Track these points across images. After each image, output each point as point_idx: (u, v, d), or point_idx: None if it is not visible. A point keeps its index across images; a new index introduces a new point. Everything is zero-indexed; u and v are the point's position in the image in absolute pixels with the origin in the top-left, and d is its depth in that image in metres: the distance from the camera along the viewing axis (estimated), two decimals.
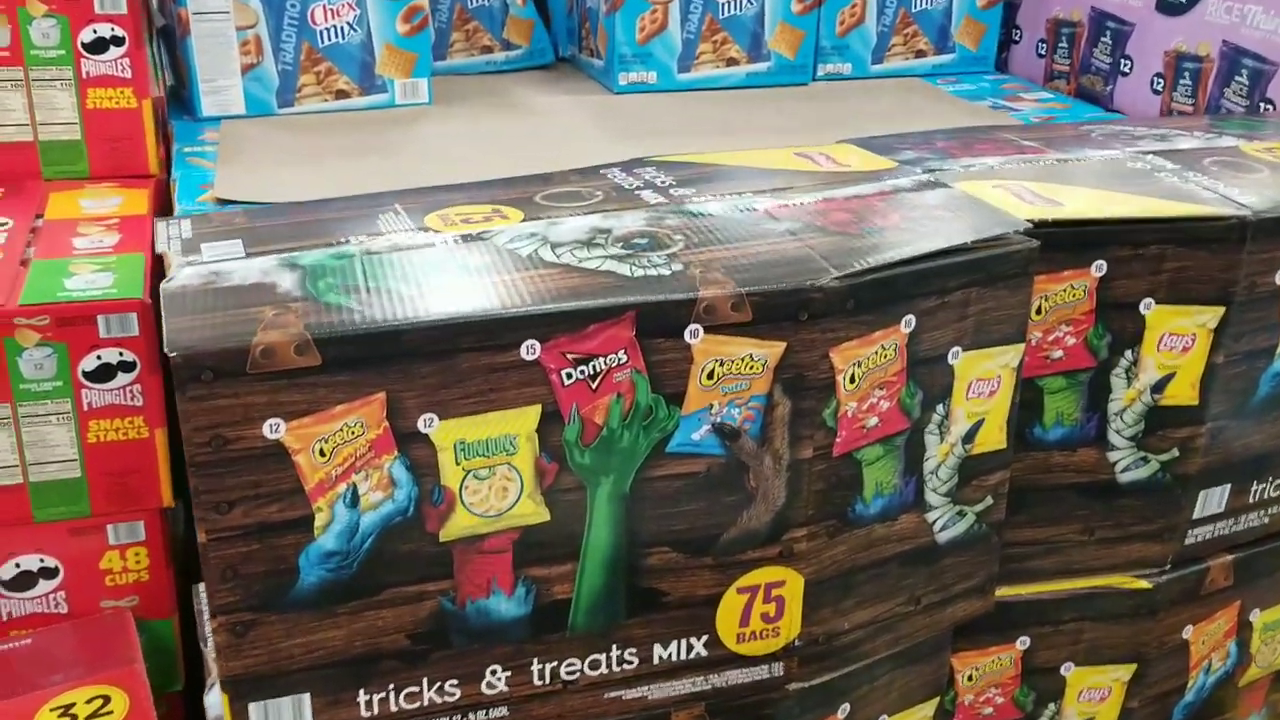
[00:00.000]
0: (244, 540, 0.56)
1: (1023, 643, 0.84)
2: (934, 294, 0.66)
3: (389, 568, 0.59)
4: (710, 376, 0.61)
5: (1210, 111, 1.19)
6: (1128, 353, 0.78)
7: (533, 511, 0.61)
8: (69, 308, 0.77)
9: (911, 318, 0.66)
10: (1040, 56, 1.45)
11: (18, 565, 0.84)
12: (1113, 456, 0.80)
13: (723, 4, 1.29)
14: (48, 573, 0.85)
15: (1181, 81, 1.23)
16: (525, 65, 1.42)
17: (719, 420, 0.63)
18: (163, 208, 0.98)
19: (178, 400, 0.53)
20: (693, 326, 0.60)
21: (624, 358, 0.59)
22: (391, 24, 1.20)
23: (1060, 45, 1.41)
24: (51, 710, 0.76)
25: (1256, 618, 0.92)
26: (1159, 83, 1.26)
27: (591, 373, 0.59)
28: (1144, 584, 0.84)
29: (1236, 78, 1.16)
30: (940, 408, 0.70)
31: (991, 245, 0.68)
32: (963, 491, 0.74)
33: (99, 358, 0.79)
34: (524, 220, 0.69)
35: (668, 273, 0.61)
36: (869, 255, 0.64)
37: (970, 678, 0.84)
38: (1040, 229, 0.71)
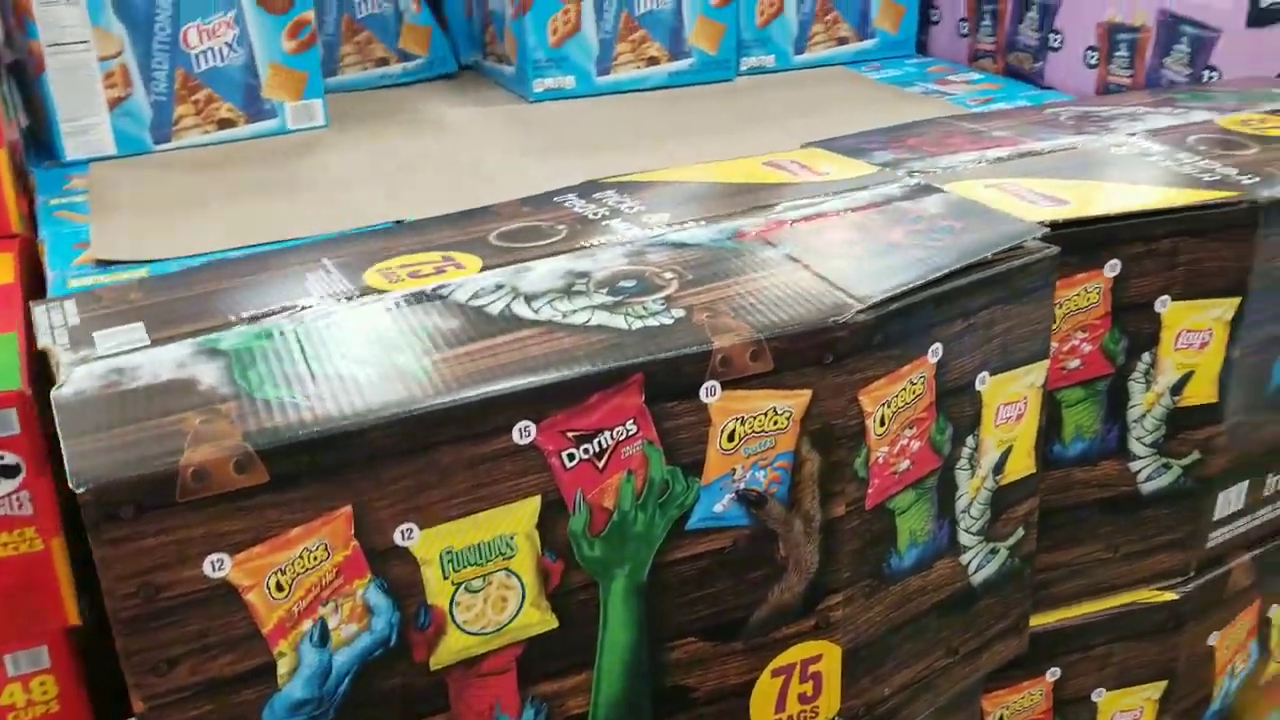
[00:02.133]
0: (194, 702, 0.45)
1: (1053, 674, 0.77)
2: (959, 317, 0.59)
3: (373, 709, 0.49)
4: (731, 438, 0.52)
5: (1150, 83, 1.15)
6: (1145, 355, 0.72)
7: (538, 620, 0.51)
8: None
9: (939, 345, 0.58)
10: (963, 36, 1.39)
11: None
12: (1134, 466, 0.74)
13: (638, 0, 1.20)
14: None
15: (1117, 53, 1.19)
16: (425, 76, 1.30)
17: (743, 486, 0.54)
18: (31, 273, 0.85)
19: (92, 546, 0.41)
20: (709, 383, 0.51)
21: (633, 428, 0.50)
22: (276, 41, 1.08)
23: (983, 23, 1.36)
24: None
25: (1275, 613, 0.87)
26: (1093, 56, 1.22)
27: (597, 450, 0.50)
28: (1170, 595, 0.79)
29: (1176, 46, 1.12)
30: (970, 440, 0.63)
31: (1011, 256, 0.61)
32: (994, 527, 0.66)
33: None
34: (484, 269, 0.58)
35: (670, 321, 0.52)
36: (888, 280, 0.56)
37: (1001, 719, 0.77)
38: (1055, 231, 0.64)
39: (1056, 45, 1.26)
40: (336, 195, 0.91)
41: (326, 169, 1.00)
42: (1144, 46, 1.16)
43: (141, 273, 0.74)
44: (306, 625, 0.46)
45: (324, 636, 0.47)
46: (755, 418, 0.53)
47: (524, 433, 0.48)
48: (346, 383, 0.47)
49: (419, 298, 0.55)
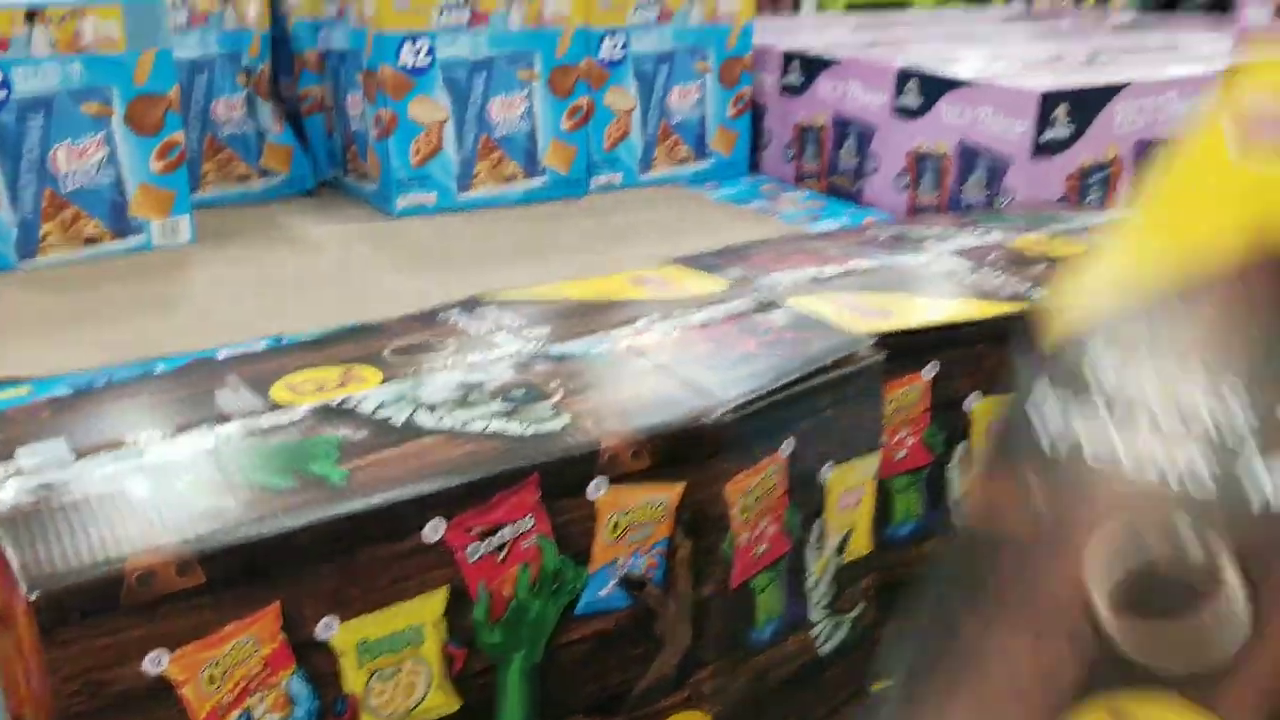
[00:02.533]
0: None
1: None
2: (807, 416, 0.68)
3: None
4: (615, 529, 0.59)
5: (953, 204, 1.30)
6: (959, 446, 0.82)
7: (442, 703, 0.56)
8: None
9: (791, 440, 0.67)
10: (789, 160, 1.54)
11: None
12: None
13: (495, 124, 1.28)
14: None
15: (924, 178, 1.34)
16: (286, 193, 1.35)
17: (625, 572, 0.60)
18: None
19: (43, 648, 0.45)
20: (597, 480, 0.58)
21: (530, 523, 0.56)
22: (145, 162, 1.11)
23: (807, 148, 1.50)
24: None
25: None
26: (904, 180, 1.37)
27: (498, 544, 0.55)
28: None
29: (973, 173, 1.27)
30: (816, 524, 0.71)
31: (847, 362, 0.71)
32: (838, 602, 0.75)
33: None
34: (384, 381, 0.64)
35: (558, 427, 0.59)
36: (747, 384, 0.64)
37: None
38: (882, 340, 0.74)
39: (872, 169, 1.41)
40: (212, 311, 0.95)
41: (198, 285, 1.03)
42: (946, 172, 1.31)
43: (24, 389, 0.76)
44: (235, 715, 0.50)
45: None
46: (636, 510, 0.60)
47: (434, 530, 0.53)
48: (274, 491, 0.52)
49: (327, 410, 0.60)
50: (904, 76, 1.34)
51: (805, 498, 0.70)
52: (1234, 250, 0.29)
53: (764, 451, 0.65)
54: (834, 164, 1.46)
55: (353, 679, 0.53)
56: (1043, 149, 1.20)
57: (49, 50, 1.03)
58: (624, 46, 1.36)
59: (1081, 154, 1.23)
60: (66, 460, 0.54)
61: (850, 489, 0.73)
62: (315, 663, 0.52)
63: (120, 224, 1.10)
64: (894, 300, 0.82)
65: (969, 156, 1.28)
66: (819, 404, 0.68)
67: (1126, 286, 0.30)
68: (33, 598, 0.44)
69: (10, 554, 0.46)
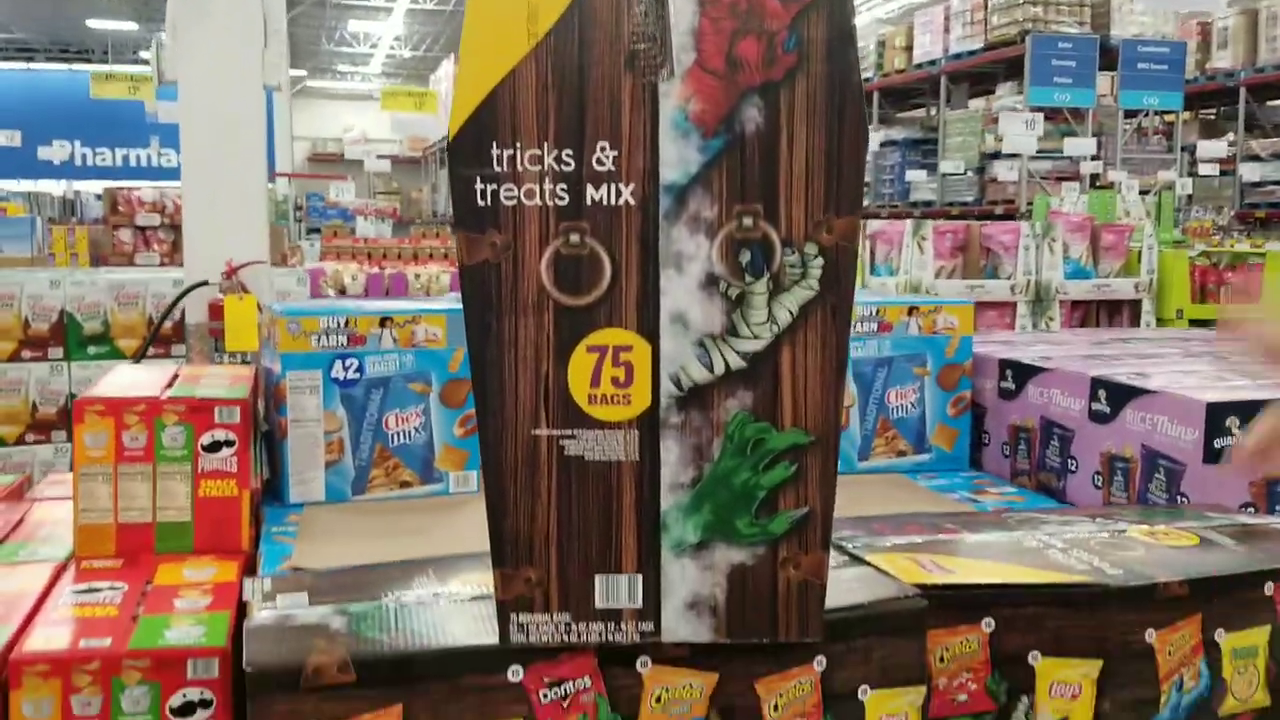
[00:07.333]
0: None
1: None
2: (840, 640, 0.84)
3: None
4: (658, 700, 0.79)
5: (1140, 502, 1.38)
6: (1023, 698, 0.93)
7: None
8: (165, 653, 0.97)
9: (823, 658, 0.83)
10: (1006, 457, 1.67)
11: None
12: None
13: None
14: None
15: (1115, 478, 1.44)
16: None
17: None
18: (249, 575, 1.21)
19: (250, 704, 0.72)
20: (643, 658, 0.78)
21: (588, 683, 0.77)
22: (450, 428, 1.47)
23: (1020, 448, 1.64)
24: None
25: None
26: (1099, 479, 1.47)
27: (563, 694, 0.77)
28: None
29: (1156, 475, 1.36)
30: None
31: (887, 603, 0.87)
32: None
33: (184, 695, 0.97)
34: None
35: None
36: None
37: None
38: (932, 591, 0.89)
39: (1074, 469, 1.52)
40: (468, 537, 1.25)
41: (467, 521, 1.35)
42: (1134, 474, 1.41)
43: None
44: None
45: None
46: (677, 688, 0.79)
47: (515, 674, 0.76)
48: (414, 635, 0.78)
49: (477, 597, 0.86)
50: (1096, 385, 1.47)
51: (843, 713, 0.85)
52: None
53: (794, 662, 0.82)
54: (1041, 462, 1.58)
55: None
56: (1214, 455, 1.28)
57: (392, 345, 1.44)
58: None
59: None
60: (303, 605, 0.84)
61: (891, 714, 0.86)
62: None
63: (427, 473, 1.46)
64: (967, 563, 0.96)
65: (1151, 460, 1.37)
66: (851, 632, 0.85)
67: None
68: (248, 669, 0.72)
69: (246, 647, 0.74)
